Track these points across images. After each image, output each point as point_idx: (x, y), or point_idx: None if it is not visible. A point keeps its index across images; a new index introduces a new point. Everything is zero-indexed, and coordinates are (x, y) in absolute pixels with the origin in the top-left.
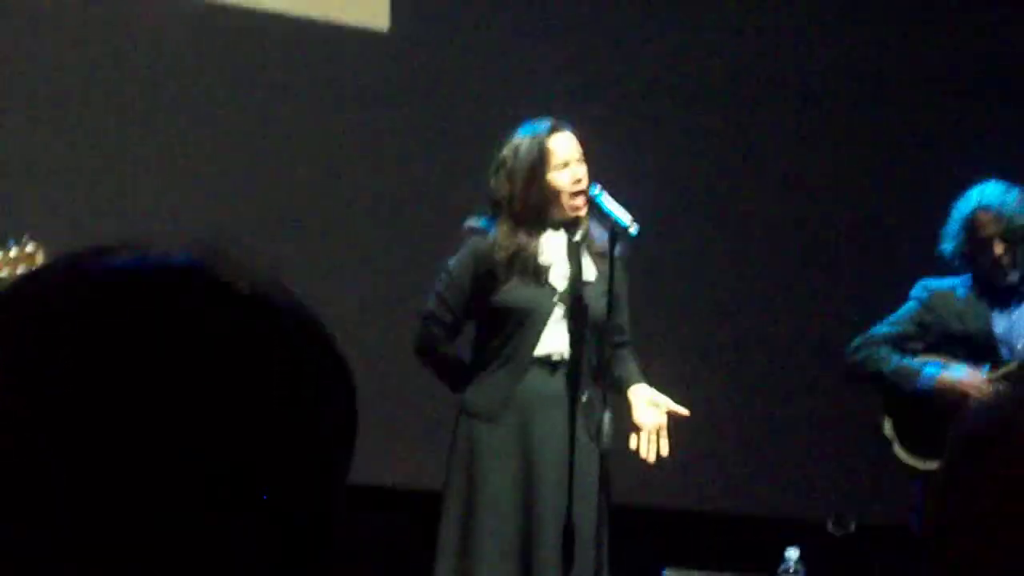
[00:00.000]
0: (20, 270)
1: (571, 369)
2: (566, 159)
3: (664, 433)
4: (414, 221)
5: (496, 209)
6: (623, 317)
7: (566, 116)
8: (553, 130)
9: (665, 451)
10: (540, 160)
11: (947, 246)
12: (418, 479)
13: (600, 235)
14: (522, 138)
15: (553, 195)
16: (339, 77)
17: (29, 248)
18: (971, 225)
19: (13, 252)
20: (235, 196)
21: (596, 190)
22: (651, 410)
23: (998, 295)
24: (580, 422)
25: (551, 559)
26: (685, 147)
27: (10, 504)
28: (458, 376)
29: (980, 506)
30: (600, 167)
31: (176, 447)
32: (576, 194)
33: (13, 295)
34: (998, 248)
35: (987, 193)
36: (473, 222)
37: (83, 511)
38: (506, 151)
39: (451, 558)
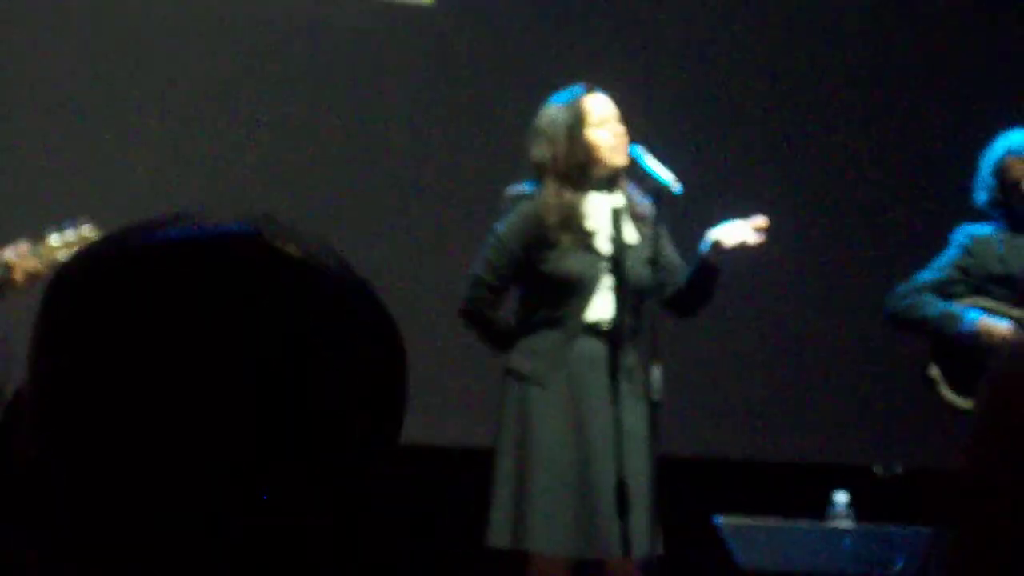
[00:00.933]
0: None
1: (614, 334)
2: (603, 117)
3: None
4: (457, 192)
5: (539, 173)
6: (677, 266)
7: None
8: (588, 91)
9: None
10: (577, 119)
11: (980, 195)
12: (462, 439)
13: (640, 199)
14: (557, 103)
15: (594, 151)
16: (381, 51)
17: (86, 231)
18: (1001, 170)
19: (71, 235)
20: (279, 172)
21: (638, 150)
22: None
23: None
24: (626, 385)
25: (608, 516)
26: (726, 115)
27: (79, 461)
28: (503, 339)
29: (1011, 449)
30: (639, 134)
31: (233, 411)
32: (616, 148)
33: (70, 269)
34: None
35: (1013, 139)
36: (517, 188)
37: (151, 472)
38: (542, 118)
39: (506, 518)
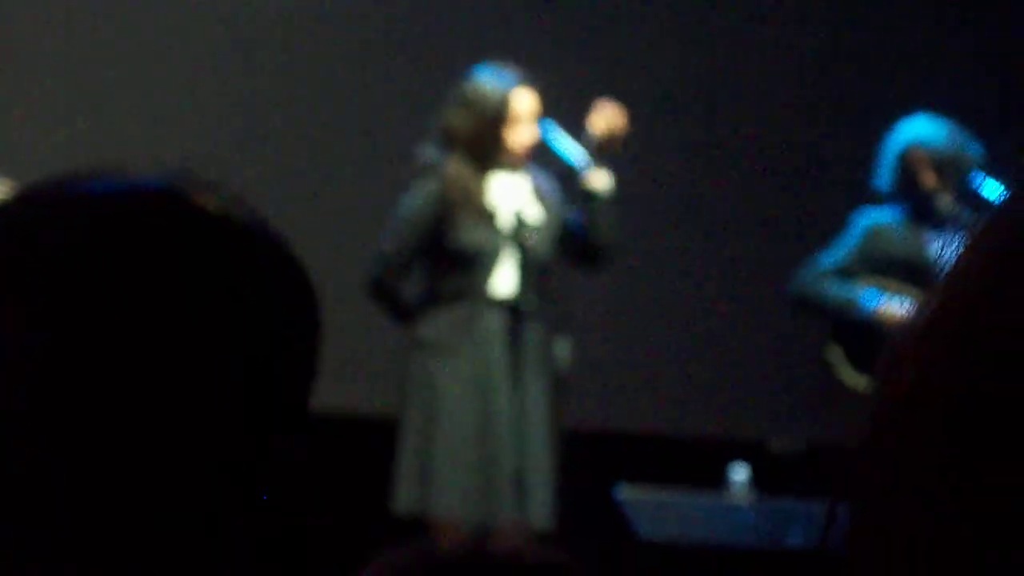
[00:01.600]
0: None
1: (517, 308)
2: (523, 117)
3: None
4: (374, 157)
5: (447, 139)
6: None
7: (532, 66)
8: (517, 84)
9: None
10: (501, 114)
11: (882, 181)
12: (361, 406)
13: (543, 178)
14: (488, 83)
15: (503, 147)
16: (302, 25)
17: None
18: (903, 160)
19: None
20: (195, 128)
21: (548, 126)
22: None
23: (935, 223)
24: (529, 358)
25: (506, 486)
26: (644, 97)
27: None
28: (408, 313)
29: (900, 419)
30: (562, 106)
31: (147, 366)
32: (525, 150)
33: None
34: (929, 181)
35: (917, 128)
36: (426, 152)
37: (67, 426)
38: (469, 90)
39: (411, 486)
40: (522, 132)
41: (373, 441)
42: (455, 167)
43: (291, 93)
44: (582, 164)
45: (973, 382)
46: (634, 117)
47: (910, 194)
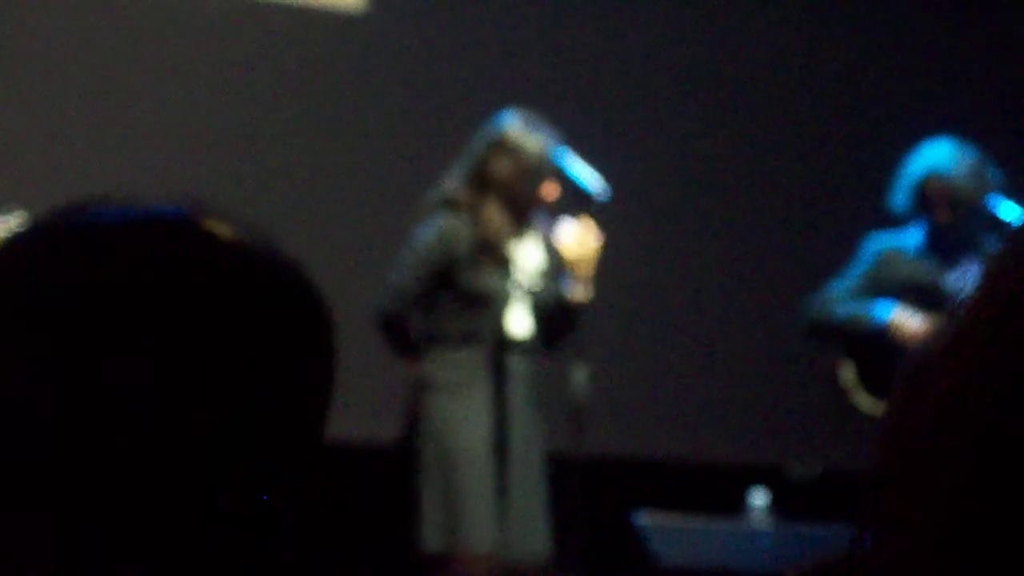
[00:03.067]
0: None
1: (528, 349)
2: (557, 177)
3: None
4: (388, 200)
5: (482, 183)
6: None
7: (546, 106)
8: (558, 144)
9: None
10: (544, 169)
11: (897, 202)
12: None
13: (544, 221)
14: (529, 134)
15: (538, 203)
16: (312, 60)
17: (16, 219)
18: (922, 187)
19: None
20: (207, 180)
21: (563, 154)
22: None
23: (948, 249)
24: (530, 395)
25: (522, 519)
26: (669, 127)
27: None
28: (415, 350)
29: (919, 439)
30: (583, 144)
31: (161, 394)
32: (546, 207)
33: (2, 253)
34: (944, 214)
35: (938, 155)
36: (450, 188)
37: (79, 448)
38: (511, 138)
39: (438, 524)
40: (554, 187)
41: (366, 469)
42: (492, 211)
43: (303, 124)
44: (597, 190)
45: (1003, 404)
46: (652, 148)
47: (924, 222)
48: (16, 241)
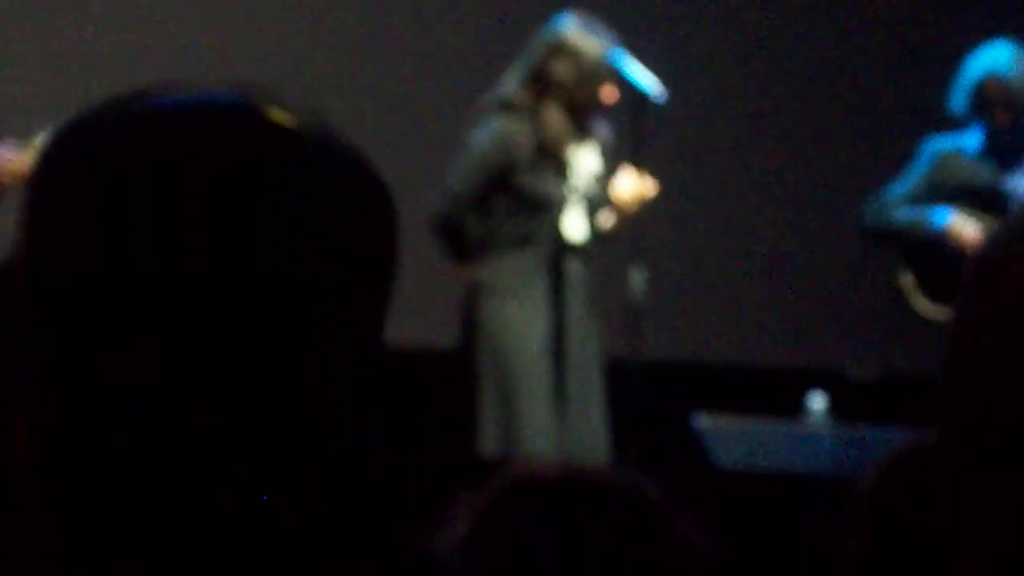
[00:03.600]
0: None
1: (584, 253)
2: (614, 77)
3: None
4: (444, 103)
5: (543, 86)
6: None
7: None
8: (622, 51)
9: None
10: (605, 70)
11: (955, 104)
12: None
13: (603, 130)
14: (589, 37)
15: (599, 105)
16: None
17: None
18: (981, 90)
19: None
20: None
21: (620, 55)
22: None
23: (1007, 152)
24: (587, 301)
25: (582, 423)
26: (720, 36)
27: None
28: (469, 253)
29: (991, 339)
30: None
31: (223, 286)
32: (603, 111)
33: (62, 137)
34: (1003, 117)
35: (997, 57)
36: (509, 90)
37: (162, 340)
38: (570, 40)
39: (497, 429)
40: (613, 91)
41: (427, 377)
42: (553, 113)
43: (359, 21)
44: (655, 92)
45: None
46: (709, 53)
47: (982, 125)
48: (77, 124)
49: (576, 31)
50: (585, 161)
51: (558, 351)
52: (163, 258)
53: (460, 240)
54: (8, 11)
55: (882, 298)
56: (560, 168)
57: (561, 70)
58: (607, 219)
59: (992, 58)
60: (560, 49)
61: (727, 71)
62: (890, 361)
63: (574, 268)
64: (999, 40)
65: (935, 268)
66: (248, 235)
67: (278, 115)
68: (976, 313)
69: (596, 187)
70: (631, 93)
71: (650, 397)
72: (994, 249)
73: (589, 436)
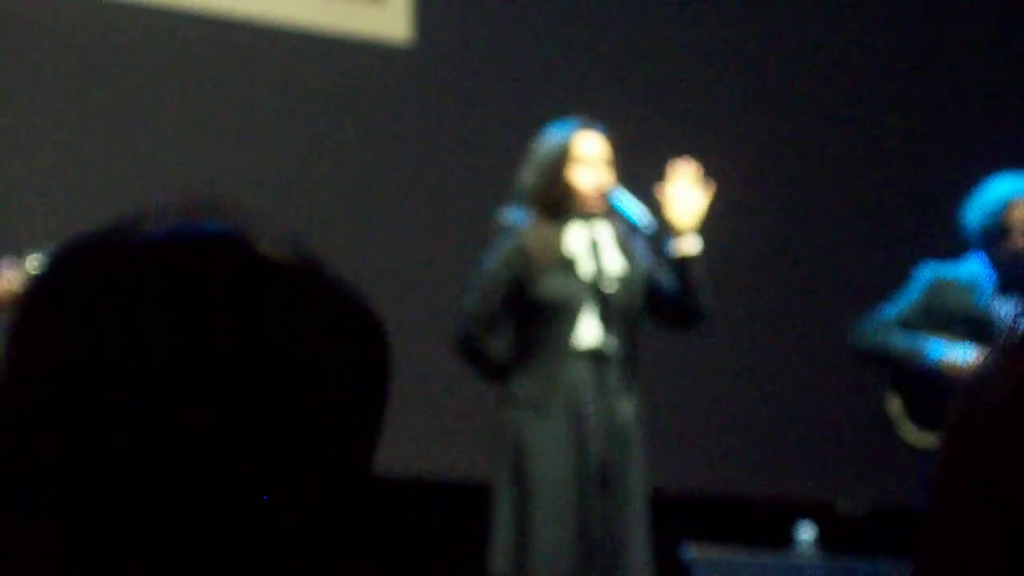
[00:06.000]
0: None
1: (601, 358)
2: (588, 158)
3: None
4: (443, 226)
5: (523, 200)
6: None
7: (600, 120)
8: (580, 128)
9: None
10: (562, 156)
11: (971, 220)
12: (452, 469)
13: (626, 228)
14: (551, 133)
15: (572, 192)
16: (356, 91)
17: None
18: (1005, 208)
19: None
20: (263, 208)
21: (615, 191)
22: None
23: (1007, 280)
24: (615, 411)
25: (603, 544)
26: (717, 153)
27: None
28: (498, 370)
29: (969, 472)
30: (630, 170)
31: (210, 414)
32: (594, 191)
33: (53, 266)
34: (1019, 243)
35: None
36: (507, 214)
37: (135, 473)
38: (535, 146)
39: (509, 548)
40: (587, 173)
41: (467, 506)
42: (533, 222)
43: (352, 158)
44: (648, 227)
45: None
46: (705, 174)
47: (984, 252)
48: (68, 252)
49: (543, 135)
50: (591, 257)
51: (580, 469)
52: (147, 390)
53: (486, 358)
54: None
55: (871, 429)
56: (565, 270)
57: (527, 176)
58: (688, 245)
59: (1016, 183)
60: (527, 159)
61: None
62: (879, 493)
63: (591, 374)
64: (1014, 170)
65: (923, 395)
66: (235, 370)
67: (268, 249)
68: (957, 444)
69: (615, 285)
70: (621, 222)
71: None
72: (975, 379)
73: (623, 561)
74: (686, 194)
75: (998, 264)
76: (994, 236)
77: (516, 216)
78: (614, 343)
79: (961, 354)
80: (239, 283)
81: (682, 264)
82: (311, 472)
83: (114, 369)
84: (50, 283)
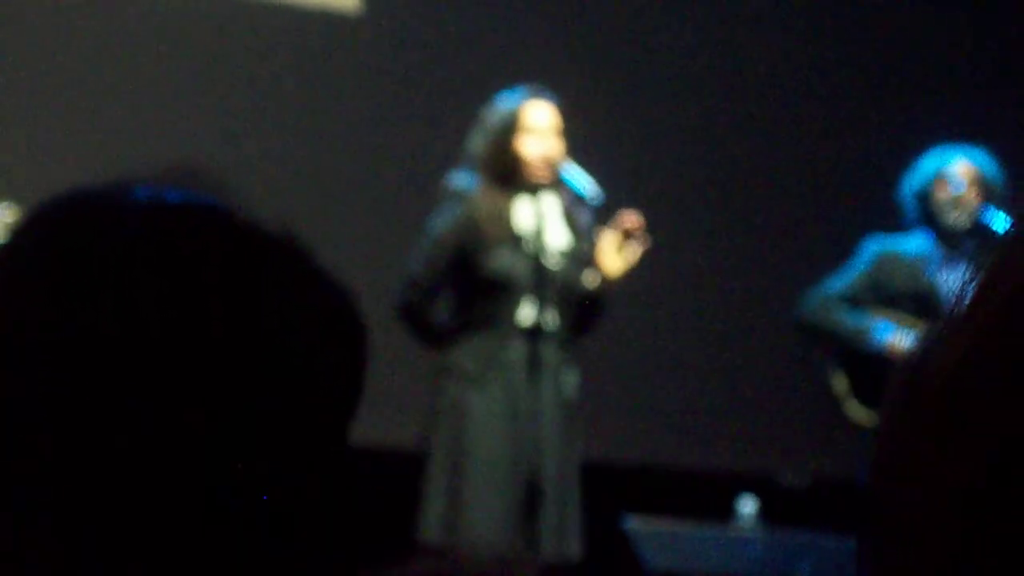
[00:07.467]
0: None
1: (538, 335)
2: (536, 127)
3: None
4: (393, 197)
5: (471, 166)
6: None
7: (550, 87)
8: (530, 97)
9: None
10: (510, 125)
11: (906, 197)
12: (374, 437)
13: (576, 203)
14: (500, 101)
15: (519, 161)
16: (306, 61)
17: (4, 214)
18: (929, 191)
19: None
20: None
21: (562, 161)
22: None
23: (951, 251)
24: (550, 387)
25: (533, 514)
26: (667, 124)
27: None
28: (438, 337)
29: (915, 446)
30: (579, 140)
31: (185, 387)
32: (542, 161)
33: (25, 228)
34: (949, 221)
35: (949, 162)
36: (455, 179)
37: (106, 443)
38: (485, 114)
39: (439, 514)
40: (535, 143)
41: (392, 473)
42: (482, 191)
43: (300, 126)
44: (594, 197)
45: (1005, 402)
46: (647, 149)
47: (927, 227)
48: (44, 215)
49: (492, 103)
50: (535, 232)
51: (514, 439)
52: (119, 354)
53: (426, 325)
54: None
55: (814, 403)
56: (512, 244)
57: (476, 143)
58: (592, 279)
59: (943, 160)
60: (476, 126)
61: (661, 171)
62: (822, 466)
63: (544, 354)
64: (951, 143)
65: (869, 373)
66: (205, 337)
67: (245, 220)
68: (899, 417)
69: (564, 263)
70: (570, 196)
71: (581, 497)
72: (915, 353)
73: (557, 533)
74: (624, 246)
75: (940, 238)
76: (928, 213)
77: (465, 181)
78: (556, 319)
79: (907, 336)
80: (214, 252)
81: (592, 296)
82: (298, 452)
83: (89, 335)
84: (27, 242)
